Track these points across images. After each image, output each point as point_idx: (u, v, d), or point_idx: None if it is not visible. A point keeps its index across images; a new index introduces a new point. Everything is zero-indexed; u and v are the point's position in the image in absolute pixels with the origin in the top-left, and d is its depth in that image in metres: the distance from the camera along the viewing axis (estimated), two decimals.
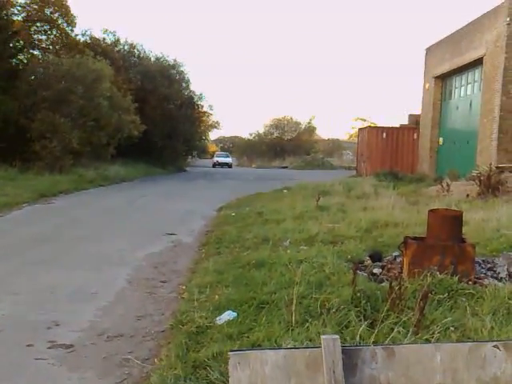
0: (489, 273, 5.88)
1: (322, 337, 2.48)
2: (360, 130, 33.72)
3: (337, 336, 2.50)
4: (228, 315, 4.66)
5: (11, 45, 23.75)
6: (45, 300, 5.66)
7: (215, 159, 51.07)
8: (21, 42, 25.30)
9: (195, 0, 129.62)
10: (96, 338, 4.63)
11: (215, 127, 52.91)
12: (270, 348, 3.26)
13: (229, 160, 51.04)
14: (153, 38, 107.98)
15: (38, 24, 27.00)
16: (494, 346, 2.52)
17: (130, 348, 4.42)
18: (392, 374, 2.48)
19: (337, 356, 2.41)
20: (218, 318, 4.64)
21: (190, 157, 46.74)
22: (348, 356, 2.46)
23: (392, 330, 3.81)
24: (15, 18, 25.41)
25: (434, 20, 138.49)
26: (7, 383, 3.75)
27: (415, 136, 26.86)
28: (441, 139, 23.42)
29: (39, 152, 21.06)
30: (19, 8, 25.84)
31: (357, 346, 3.15)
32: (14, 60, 24.79)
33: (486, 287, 5.05)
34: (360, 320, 4.13)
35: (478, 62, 19.11)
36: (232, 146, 74.11)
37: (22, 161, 20.24)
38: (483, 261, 6.25)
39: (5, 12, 23.06)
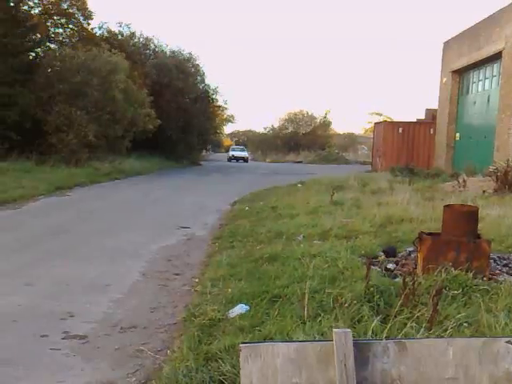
0: (504, 269, 5.83)
1: (334, 330, 2.48)
2: (376, 124, 33.53)
3: (348, 330, 2.49)
4: (240, 308, 4.67)
5: (28, 38, 23.94)
6: (59, 291, 5.72)
7: (231, 153, 49.93)
8: (38, 35, 25.47)
9: None
10: (110, 330, 4.67)
11: (230, 121, 52.64)
12: (281, 341, 3.26)
13: (245, 154, 49.77)
14: (168, 31, 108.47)
15: (55, 17, 27.19)
16: (507, 342, 2.49)
17: (143, 339, 4.45)
18: (404, 368, 2.47)
19: (348, 350, 2.40)
20: (230, 311, 4.66)
21: (204, 151, 46.60)
22: (360, 350, 2.46)
23: (405, 325, 3.78)
24: (32, 11, 25.62)
25: (453, 13, 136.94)
26: (22, 373, 3.79)
27: (431, 131, 26.62)
28: (457, 134, 23.19)
29: (55, 145, 21.30)
30: (36, 1, 26.05)
31: (368, 340, 3.13)
32: (32, 53, 25.02)
33: (501, 284, 5.00)
34: (373, 315, 4.11)
35: (496, 57, 18.85)
36: (246, 140, 73.94)
37: (38, 153, 20.47)
38: (498, 257, 6.19)
39: (22, 5, 23.24)
